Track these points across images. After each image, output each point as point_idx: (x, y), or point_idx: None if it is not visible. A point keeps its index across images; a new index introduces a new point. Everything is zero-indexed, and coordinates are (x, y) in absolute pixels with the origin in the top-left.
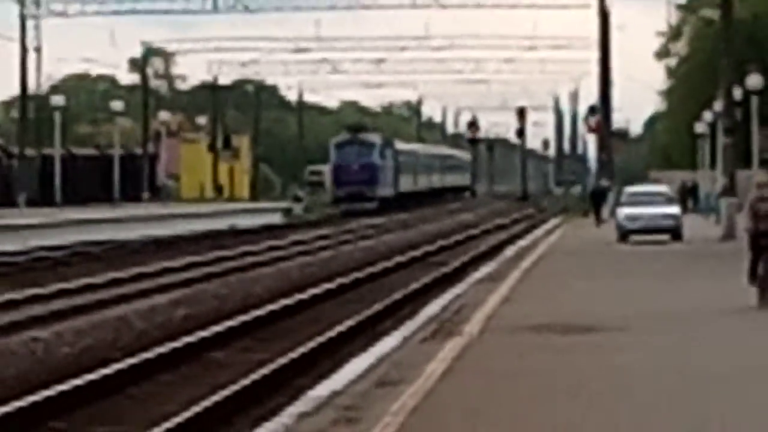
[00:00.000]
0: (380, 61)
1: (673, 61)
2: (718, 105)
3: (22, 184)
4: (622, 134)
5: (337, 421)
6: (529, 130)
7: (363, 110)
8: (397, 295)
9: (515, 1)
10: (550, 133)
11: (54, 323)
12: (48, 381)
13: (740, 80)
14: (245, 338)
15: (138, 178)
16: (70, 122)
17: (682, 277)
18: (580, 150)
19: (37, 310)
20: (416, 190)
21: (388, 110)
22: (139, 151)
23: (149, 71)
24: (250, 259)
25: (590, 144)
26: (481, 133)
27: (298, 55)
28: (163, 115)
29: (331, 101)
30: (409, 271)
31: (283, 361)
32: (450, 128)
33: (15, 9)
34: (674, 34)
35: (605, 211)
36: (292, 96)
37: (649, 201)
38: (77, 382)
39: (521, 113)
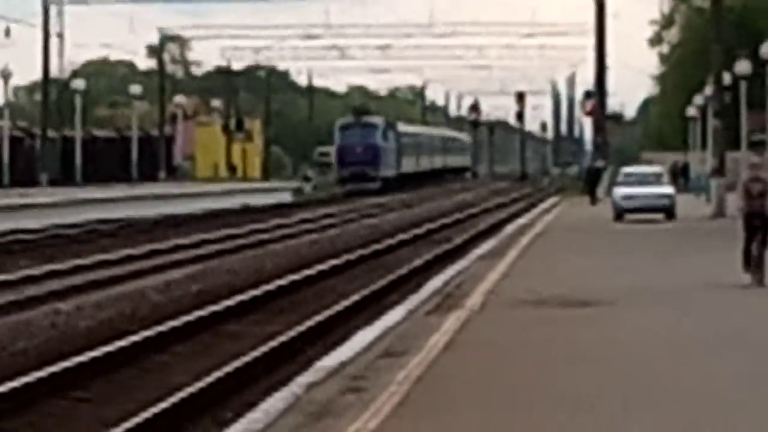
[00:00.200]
0: (386, 47)
1: (665, 48)
2: (709, 90)
3: (45, 164)
4: (617, 117)
5: (345, 390)
6: (528, 113)
7: (370, 94)
8: (402, 271)
9: None
10: (547, 116)
11: (75, 297)
12: (69, 352)
13: (729, 66)
14: (257, 312)
15: (155, 159)
16: (91, 105)
17: (675, 254)
18: (576, 132)
19: (58, 284)
20: (418, 171)
21: (393, 94)
22: (156, 133)
23: (166, 57)
24: (260, 237)
25: (586, 127)
26: (483, 117)
27: (307, 42)
28: (179, 98)
29: (340, 85)
30: (413, 248)
31: (293, 333)
32: (453, 111)
33: None
34: (667, 22)
35: (600, 191)
36: (302, 80)
37: (644, 181)
38: (96, 353)
39: (520, 97)
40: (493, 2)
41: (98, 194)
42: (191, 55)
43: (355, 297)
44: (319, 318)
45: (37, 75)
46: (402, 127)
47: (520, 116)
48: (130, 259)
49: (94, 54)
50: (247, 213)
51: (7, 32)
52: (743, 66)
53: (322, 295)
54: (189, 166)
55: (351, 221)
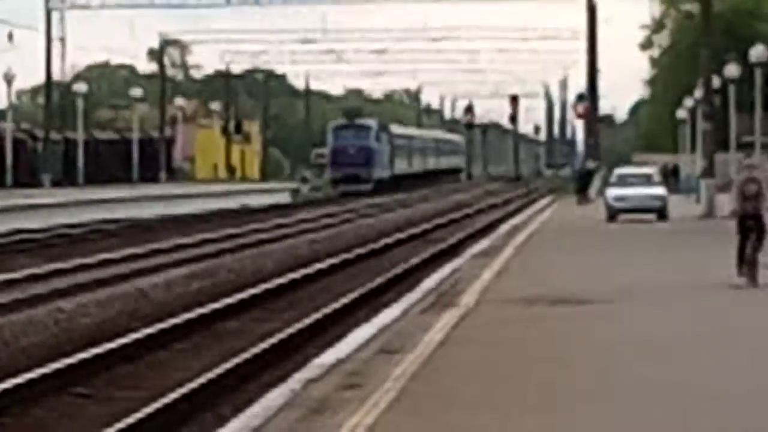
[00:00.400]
0: (382, 51)
1: (656, 52)
2: (698, 93)
3: (47, 165)
4: (609, 120)
5: (343, 386)
6: (522, 115)
7: (366, 97)
8: (398, 270)
9: None
10: (540, 118)
11: (77, 295)
12: (71, 349)
13: (718, 70)
14: (256, 309)
15: (155, 160)
16: (92, 108)
17: (667, 253)
18: (568, 134)
19: (60, 283)
20: (411, 172)
21: (389, 97)
22: (156, 135)
23: (166, 60)
24: (260, 236)
25: (578, 129)
26: (477, 119)
27: (305, 46)
28: (179, 101)
29: (337, 89)
30: (408, 248)
31: (291, 330)
32: (447, 114)
33: (41, 2)
34: (657, 26)
35: (592, 192)
36: (299, 84)
37: (636, 182)
38: (98, 350)
39: (514, 100)
40: (487, 7)
41: (101, 195)
42: (191, 59)
43: (353, 295)
44: (317, 315)
45: (39, 78)
46: (395, 129)
47: (513, 118)
48: (134, 257)
49: (95, 58)
50: (247, 213)
51: (11, 36)
52: (732, 70)
53: (320, 292)
54: (189, 167)
55: (347, 221)
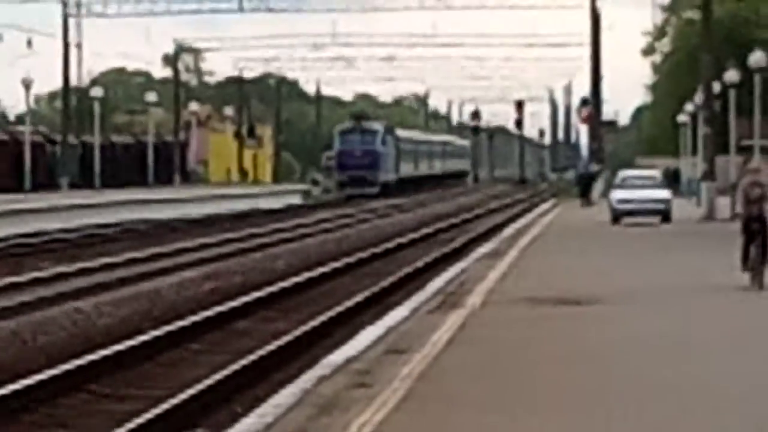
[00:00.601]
0: (391, 57)
1: (657, 58)
2: (699, 98)
3: (65, 169)
4: (612, 124)
5: (352, 385)
6: (527, 120)
7: (375, 102)
8: (406, 271)
9: (515, 3)
10: (545, 123)
11: (94, 296)
12: (88, 348)
13: (719, 75)
14: (267, 309)
15: (170, 164)
16: (109, 112)
17: (668, 255)
18: (573, 138)
19: (79, 283)
20: (417, 175)
21: (398, 102)
22: (171, 139)
23: (180, 66)
24: (260, 240)
25: (582, 133)
26: (483, 123)
27: (316, 52)
28: (193, 106)
29: (347, 94)
30: (415, 249)
31: (302, 330)
32: (455, 119)
33: (58, 9)
34: (659, 33)
35: (595, 194)
36: (310, 89)
37: (640, 185)
38: (115, 349)
39: (519, 105)
40: (494, 15)
41: (117, 197)
42: (205, 65)
43: (363, 295)
44: (327, 315)
45: (57, 84)
46: (401, 133)
47: (519, 123)
48: (158, 256)
49: (112, 63)
50: (258, 216)
51: (29, 43)
52: (732, 75)
53: (330, 293)
54: (202, 170)
55: (355, 223)
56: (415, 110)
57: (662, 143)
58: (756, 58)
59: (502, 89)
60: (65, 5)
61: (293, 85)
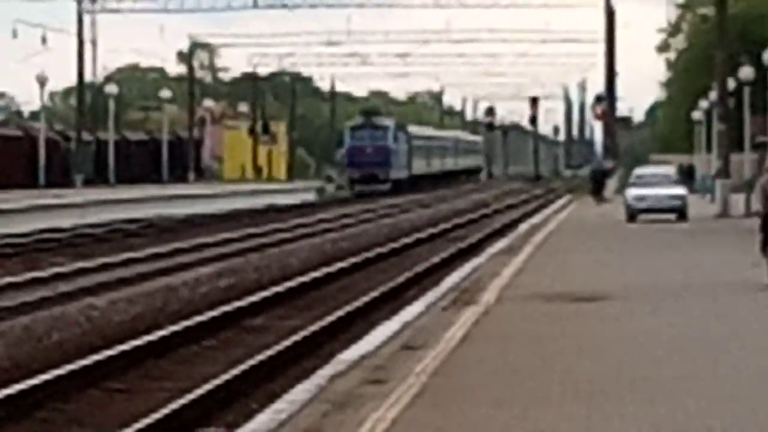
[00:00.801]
0: (405, 54)
1: (672, 55)
2: (713, 95)
3: (79, 165)
4: (626, 121)
5: (366, 381)
6: (541, 117)
7: (390, 99)
8: (421, 267)
9: (529, 0)
10: (560, 119)
11: (109, 292)
12: (103, 344)
13: (733, 72)
14: (282, 306)
15: (184, 160)
16: (123, 109)
17: (682, 252)
18: (587, 135)
19: (92, 280)
20: (429, 173)
21: (412, 99)
22: (185, 135)
23: (195, 63)
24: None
25: (597, 130)
26: (498, 120)
27: (330, 49)
28: (208, 103)
29: (361, 90)
30: (429, 246)
31: (316, 327)
32: (469, 115)
33: (73, 6)
34: (673, 30)
35: (608, 191)
36: (325, 86)
37: (656, 182)
38: (130, 345)
39: (534, 102)
40: (508, 11)
41: (131, 194)
42: (219, 62)
43: (377, 292)
44: (342, 312)
45: (71, 80)
46: (412, 129)
47: (533, 120)
48: (180, 251)
49: (126, 60)
50: (274, 212)
51: (44, 40)
52: (746, 72)
53: (345, 289)
54: (217, 167)
55: (370, 221)
56: (429, 107)
57: (677, 140)
58: None
59: (517, 86)
60: (80, 2)
61: (307, 81)
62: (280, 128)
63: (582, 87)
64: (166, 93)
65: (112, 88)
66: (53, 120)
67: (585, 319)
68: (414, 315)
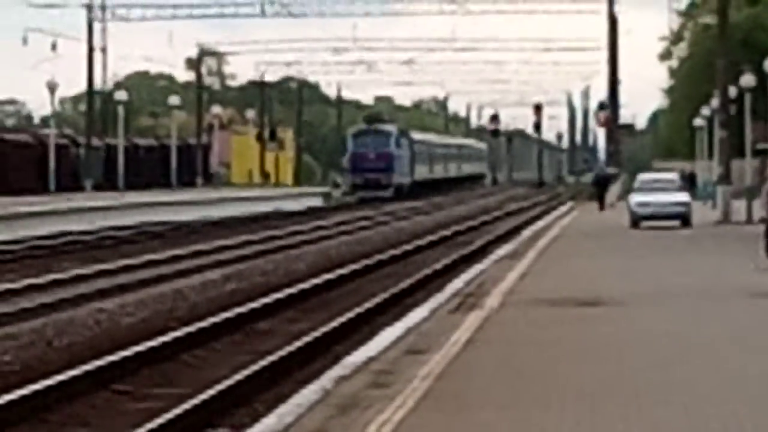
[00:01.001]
0: (411, 61)
1: (674, 62)
2: (715, 102)
3: (89, 170)
4: (629, 127)
5: (371, 384)
6: (545, 123)
7: (395, 105)
8: (425, 272)
9: (532, 8)
10: (563, 126)
11: (118, 296)
12: (112, 348)
13: (735, 79)
14: (288, 310)
15: (193, 166)
16: (132, 115)
17: (685, 258)
18: (590, 142)
19: (103, 283)
20: (432, 178)
21: (417, 106)
22: (194, 141)
23: (203, 70)
24: (298, 238)
25: (600, 136)
26: (502, 126)
27: (337, 56)
28: (216, 109)
29: (367, 97)
30: (434, 251)
31: (322, 330)
32: (474, 122)
33: (83, 14)
34: (676, 38)
35: (612, 197)
36: (331, 92)
37: (659, 188)
38: (138, 348)
39: (538, 108)
40: (512, 19)
41: (140, 199)
42: (227, 68)
43: (383, 296)
44: (348, 316)
45: (81, 87)
46: (416, 135)
47: (537, 126)
48: (201, 253)
49: (135, 67)
50: (285, 217)
51: (54, 46)
52: (748, 79)
53: (351, 294)
54: (225, 172)
55: (372, 226)
56: (434, 113)
57: (679, 147)
58: None
59: (521, 93)
60: (90, 9)
61: (314, 88)
62: (287, 134)
63: (585, 94)
64: (174, 99)
65: (121, 95)
66: (63, 126)
67: (588, 323)
68: (419, 319)
